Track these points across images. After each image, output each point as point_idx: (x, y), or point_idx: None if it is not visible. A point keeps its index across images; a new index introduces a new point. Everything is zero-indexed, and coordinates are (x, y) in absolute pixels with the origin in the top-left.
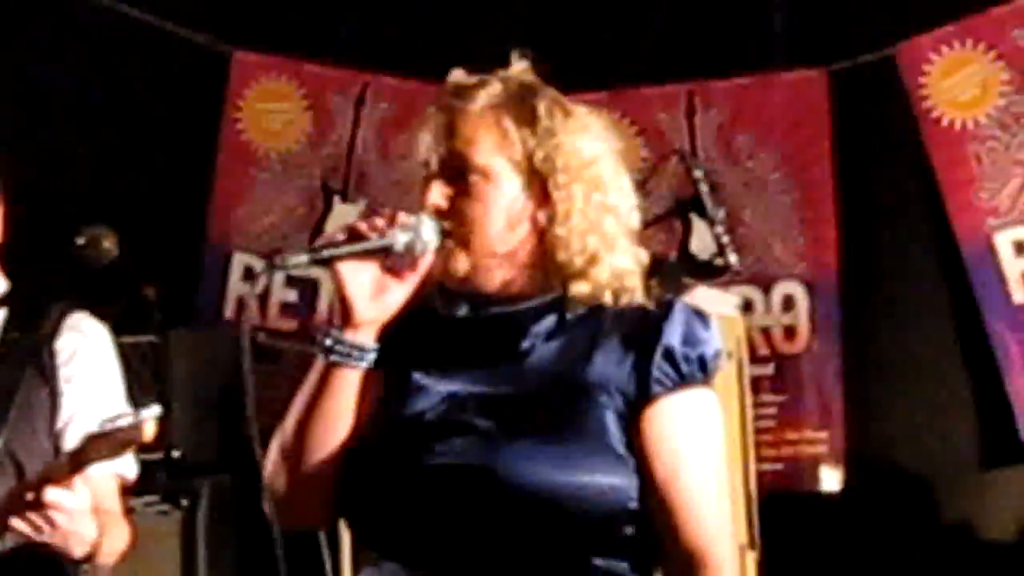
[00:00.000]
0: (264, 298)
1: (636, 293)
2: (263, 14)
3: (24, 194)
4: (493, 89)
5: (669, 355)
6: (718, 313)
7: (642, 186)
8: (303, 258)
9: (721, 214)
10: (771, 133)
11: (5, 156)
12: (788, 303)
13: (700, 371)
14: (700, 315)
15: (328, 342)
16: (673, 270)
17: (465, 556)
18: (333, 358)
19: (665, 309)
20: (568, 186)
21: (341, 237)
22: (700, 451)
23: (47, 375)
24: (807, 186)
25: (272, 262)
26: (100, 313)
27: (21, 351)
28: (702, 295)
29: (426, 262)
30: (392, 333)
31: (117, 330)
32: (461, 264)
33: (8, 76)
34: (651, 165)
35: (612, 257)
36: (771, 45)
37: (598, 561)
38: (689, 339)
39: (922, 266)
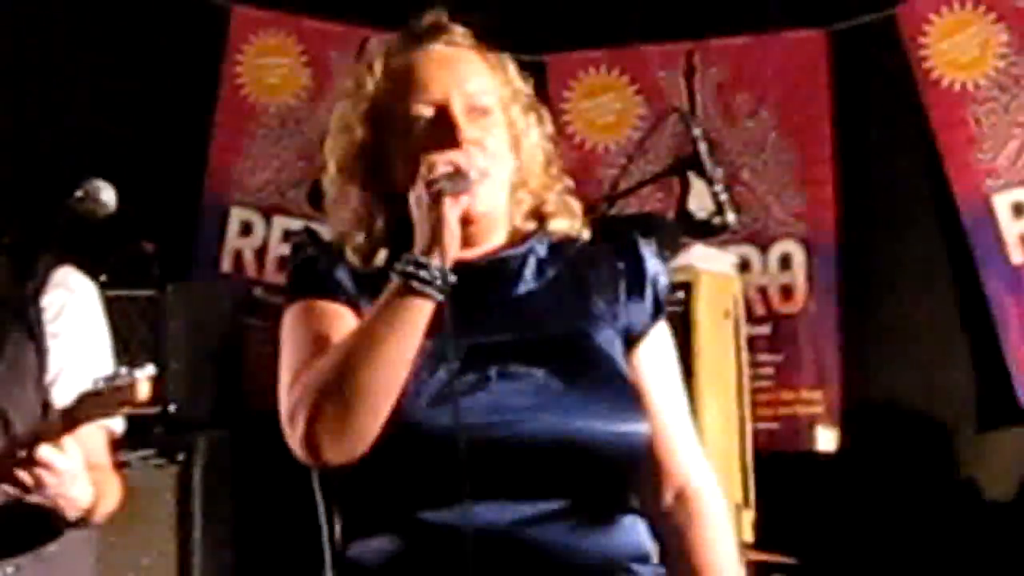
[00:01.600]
0: (261, 252)
1: (567, 222)
2: None
3: (21, 148)
4: (467, 34)
5: (655, 288)
6: (715, 271)
7: (640, 144)
8: (449, 185)
9: (719, 173)
10: (770, 93)
11: None
12: (785, 262)
13: (662, 305)
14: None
15: (417, 269)
16: (671, 228)
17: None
18: (422, 287)
19: (632, 243)
20: (528, 129)
21: (449, 170)
22: (677, 379)
23: (34, 331)
24: (806, 146)
25: (437, 178)
26: (97, 267)
27: (7, 307)
28: (700, 253)
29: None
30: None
31: (114, 284)
32: (486, 199)
33: (4, 30)
34: (650, 123)
35: (567, 194)
36: (771, 4)
37: (631, 500)
38: (660, 272)
39: (920, 226)
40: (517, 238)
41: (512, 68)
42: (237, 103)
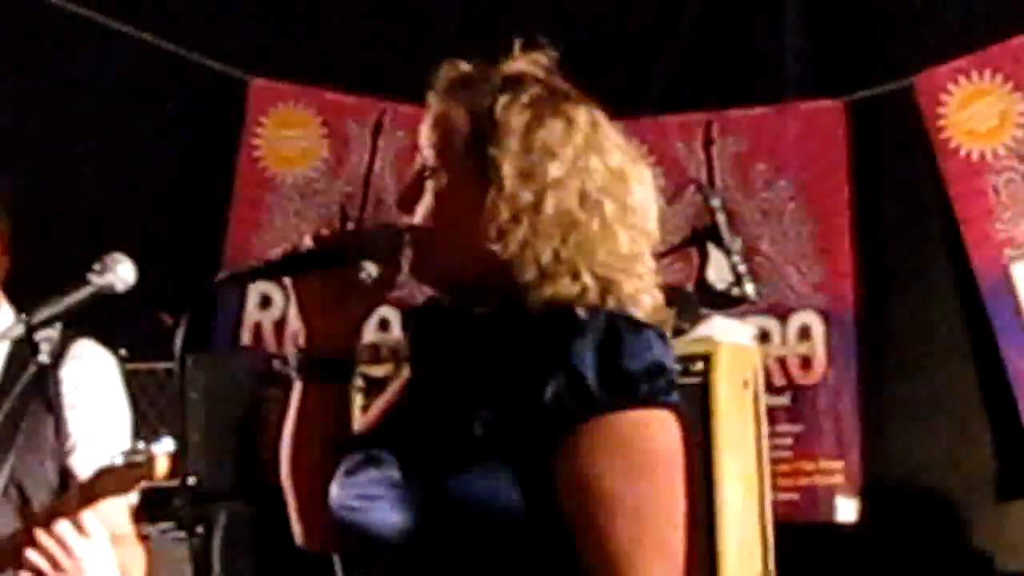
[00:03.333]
0: (280, 325)
1: (625, 302)
2: (281, 41)
3: (41, 221)
4: (473, 79)
5: (576, 379)
6: (734, 343)
7: (659, 215)
8: (245, 271)
9: (738, 244)
10: (788, 163)
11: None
12: (804, 333)
13: (622, 392)
14: (631, 325)
15: (298, 361)
16: (690, 300)
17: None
18: (299, 376)
19: (581, 322)
20: (512, 193)
21: (300, 248)
22: (616, 485)
23: (52, 404)
24: (824, 216)
25: (237, 274)
26: (116, 339)
27: (27, 380)
28: (719, 325)
29: (390, 273)
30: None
31: (134, 357)
32: (421, 268)
33: (28, 103)
34: (668, 194)
35: (591, 271)
36: (788, 75)
37: None
38: (607, 356)
39: (939, 297)
40: (488, 303)
41: (504, 129)
42: (256, 175)
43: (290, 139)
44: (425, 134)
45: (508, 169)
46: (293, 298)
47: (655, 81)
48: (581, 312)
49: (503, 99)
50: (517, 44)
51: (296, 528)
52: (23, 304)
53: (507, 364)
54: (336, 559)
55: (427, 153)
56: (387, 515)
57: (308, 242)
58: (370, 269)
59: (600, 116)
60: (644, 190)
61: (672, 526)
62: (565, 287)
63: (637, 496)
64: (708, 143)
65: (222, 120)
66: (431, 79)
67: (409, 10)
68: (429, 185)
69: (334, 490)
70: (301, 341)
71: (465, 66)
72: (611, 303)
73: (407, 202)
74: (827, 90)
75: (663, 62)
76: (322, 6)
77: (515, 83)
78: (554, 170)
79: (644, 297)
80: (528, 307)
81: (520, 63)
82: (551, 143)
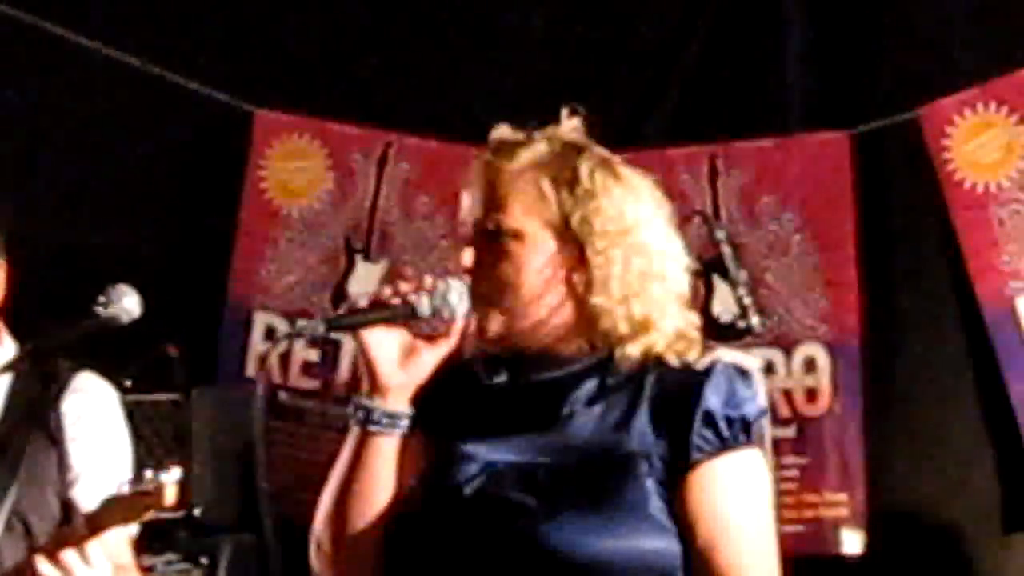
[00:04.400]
0: (286, 357)
1: (691, 355)
2: (286, 73)
3: (44, 254)
4: (536, 148)
5: (709, 419)
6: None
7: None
8: (321, 328)
9: (743, 276)
10: (793, 195)
11: (9, 222)
12: (810, 365)
13: (743, 433)
14: (742, 374)
15: (360, 412)
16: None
17: None
18: (368, 427)
19: (706, 371)
20: (606, 251)
21: (364, 304)
22: (744, 515)
23: (54, 436)
24: (829, 248)
25: (292, 331)
26: (122, 372)
27: (29, 412)
28: (724, 357)
29: (458, 326)
30: (440, 400)
31: (139, 389)
32: (494, 326)
33: (33, 136)
34: (673, 226)
35: (663, 322)
36: (793, 107)
37: None
38: (730, 401)
39: (944, 329)
40: (585, 353)
41: (609, 195)
42: (261, 207)
43: (295, 171)
44: (502, 198)
45: (599, 224)
46: (365, 350)
47: (660, 113)
48: (700, 365)
49: (585, 165)
50: (565, 111)
51: (324, 572)
52: (25, 337)
53: (623, 407)
54: None
55: (510, 217)
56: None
57: (390, 294)
58: (436, 326)
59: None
60: (675, 241)
61: (772, 545)
62: (653, 340)
63: (762, 527)
64: (713, 175)
65: (227, 151)
66: (496, 143)
67: (415, 42)
68: (510, 248)
69: (400, 537)
70: (364, 393)
71: (516, 132)
72: (688, 352)
73: (468, 258)
74: (832, 122)
75: (668, 95)
76: (327, 38)
77: (582, 149)
78: (630, 222)
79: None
80: (618, 358)
81: (571, 131)
82: (618, 195)
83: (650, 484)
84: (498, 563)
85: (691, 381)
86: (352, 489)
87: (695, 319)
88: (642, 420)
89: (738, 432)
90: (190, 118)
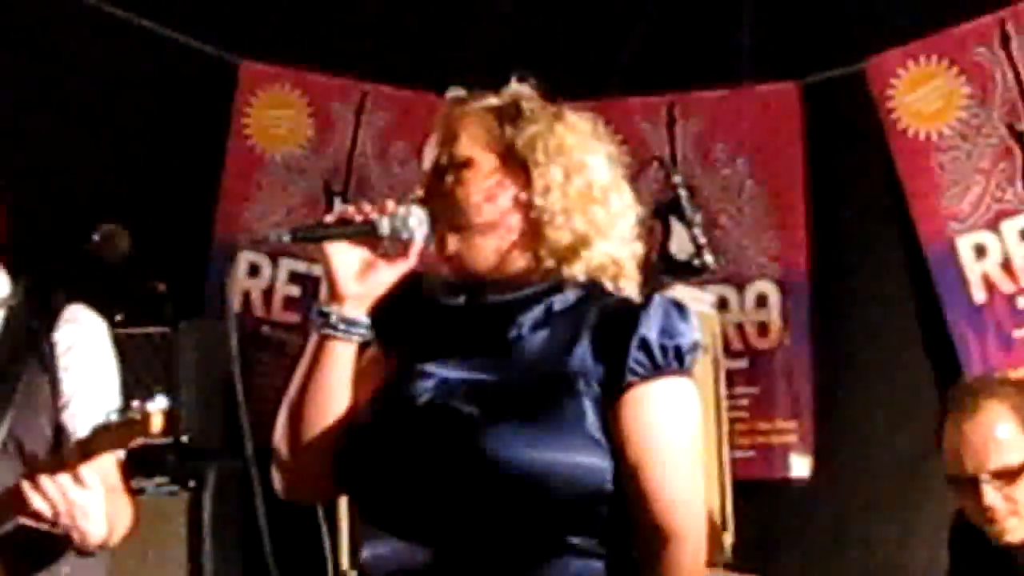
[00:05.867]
0: (269, 293)
1: (631, 283)
2: (269, 26)
3: (43, 194)
4: (487, 98)
5: (645, 345)
6: (696, 310)
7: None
8: (286, 237)
9: (698, 217)
10: (746, 142)
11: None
12: (761, 301)
13: (676, 361)
14: (679, 307)
15: (319, 317)
16: (653, 269)
17: (454, 529)
18: (324, 331)
19: (644, 302)
20: (548, 167)
21: (329, 220)
22: (671, 435)
23: (47, 364)
24: (779, 192)
25: (260, 239)
26: (113, 306)
27: (23, 342)
28: (680, 293)
29: (416, 248)
30: (400, 321)
31: (129, 322)
32: (451, 246)
33: (28, 85)
34: (633, 171)
35: (605, 243)
36: (746, 58)
37: (573, 539)
38: (666, 330)
39: (888, 267)
40: (535, 276)
41: (549, 125)
42: (245, 152)
43: (278, 119)
44: (443, 130)
45: (541, 149)
46: (327, 261)
47: (620, 64)
48: (609, 285)
49: (527, 102)
50: (514, 77)
51: (283, 478)
52: (20, 273)
53: (565, 331)
54: (321, 512)
55: (461, 148)
56: (447, 475)
57: (353, 213)
58: (395, 246)
59: (596, 123)
60: (626, 191)
61: (697, 465)
62: (593, 256)
63: (688, 449)
64: (671, 123)
65: (213, 100)
66: (452, 99)
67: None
68: (459, 170)
69: (354, 441)
70: (323, 301)
71: (479, 92)
72: (621, 279)
73: (431, 189)
74: (782, 73)
75: (628, 46)
76: None
77: (529, 97)
78: (581, 158)
79: (634, 276)
80: (547, 277)
81: (514, 89)
82: (564, 137)
83: (587, 403)
84: (441, 468)
85: (630, 311)
86: (309, 395)
87: (638, 250)
88: (583, 345)
89: (671, 359)
90: (178, 69)
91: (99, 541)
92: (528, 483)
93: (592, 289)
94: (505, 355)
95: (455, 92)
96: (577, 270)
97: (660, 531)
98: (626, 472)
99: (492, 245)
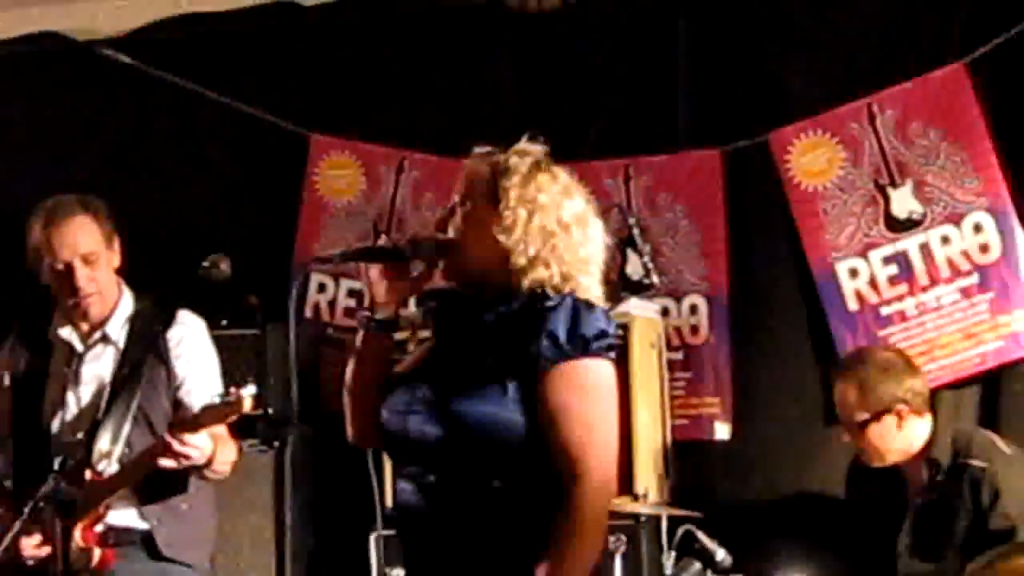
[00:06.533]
0: (332, 304)
1: (590, 292)
2: (332, 108)
3: (168, 233)
4: (498, 155)
5: (552, 336)
6: (645, 316)
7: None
8: (337, 258)
9: (647, 249)
10: (681, 193)
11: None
12: (693, 310)
13: (580, 347)
14: (588, 305)
15: (362, 320)
16: (615, 287)
17: (429, 467)
18: (365, 329)
19: (557, 304)
20: (515, 209)
21: (361, 246)
22: (575, 404)
23: (163, 356)
24: (706, 230)
25: (322, 258)
26: (218, 314)
27: (145, 341)
28: (634, 304)
29: (428, 269)
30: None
31: (230, 326)
32: (451, 265)
33: (163, 160)
34: (599, 215)
35: (555, 265)
36: (682, 131)
37: (495, 483)
38: (571, 323)
39: (786, 285)
40: (503, 288)
41: (525, 178)
42: (315, 201)
43: (339, 177)
44: (460, 182)
45: (515, 196)
46: (367, 278)
47: (590, 137)
48: (554, 296)
49: (512, 157)
50: (524, 136)
51: (351, 431)
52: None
53: (507, 328)
54: (371, 461)
55: (459, 193)
56: (422, 424)
57: (384, 242)
58: (418, 266)
59: (571, 178)
60: (597, 229)
61: (610, 433)
62: (541, 273)
63: (588, 413)
64: (627, 179)
65: (293, 163)
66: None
67: (423, 90)
68: (458, 212)
69: (385, 404)
70: (366, 307)
71: (489, 148)
72: (567, 288)
73: (441, 226)
74: (709, 142)
75: (595, 123)
76: (362, 85)
77: (520, 152)
78: (543, 200)
79: (594, 287)
80: (516, 289)
81: (522, 145)
82: (541, 185)
83: (512, 381)
84: (422, 421)
85: (545, 310)
86: (359, 374)
87: (599, 266)
88: (515, 338)
89: (576, 346)
90: (267, 139)
91: (217, 474)
92: (474, 430)
93: (534, 297)
94: (470, 342)
95: (480, 149)
96: (526, 284)
97: (566, 475)
98: (543, 432)
99: (479, 269)
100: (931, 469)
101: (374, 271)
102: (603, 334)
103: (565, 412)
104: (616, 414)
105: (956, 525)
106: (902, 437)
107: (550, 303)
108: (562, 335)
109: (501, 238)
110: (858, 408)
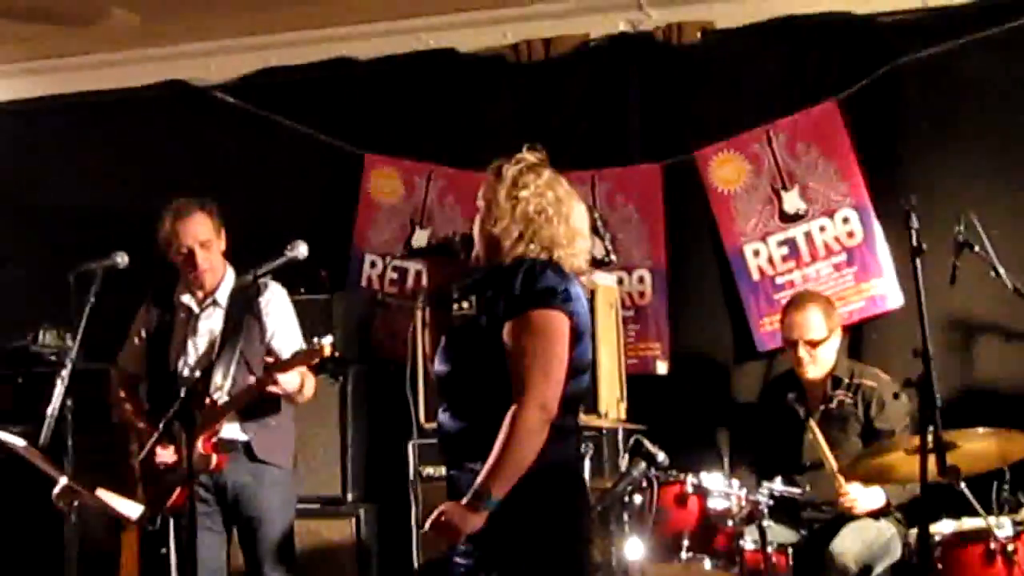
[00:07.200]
0: (382, 277)
1: (569, 263)
2: (380, 134)
3: (263, 226)
4: (500, 165)
5: (510, 293)
6: (605, 284)
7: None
8: (399, 255)
9: (608, 236)
10: (633, 195)
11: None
12: (641, 280)
13: (530, 301)
14: (543, 267)
15: (421, 299)
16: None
17: (442, 392)
18: (428, 304)
19: (517, 268)
20: (501, 204)
21: (422, 245)
22: (521, 342)
23: (257, 315)
24: (651, 223)
25: (391, 257)
26: (298, 284)
27: (244, 304)
28: (598, 276)
29: (463, 257)
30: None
31: (307, 293)
32: (473, 253)
33: (258, 172)
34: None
35: (535, 243)
36: (633, 148)
37: (475, 402)
38: (525, 280)
39: (708, 262)
40: (498, 262)
41: (504, 175)
42: (367, 202)
43: (384, 185)
44: (480, 193)
45: (503, 195)
46: (426, 266)
47: (569, 154)
48: (518, 262)
49: (507, 165)
50: (525, 146)
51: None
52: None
53: (488, 289)
54: (409, 391)
55: (480, 202)
56: (439, 365)
57: (434, 238)
58: (457, 253)
59: (556, 175)
60: (578, 210)
61: (551, 365)
62: (523, 248)
63: (535, 347)
64: (593, 186)
65: (351, 175)
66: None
67: (444, 119)
68: (478, 215)
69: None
70: (426, 289)
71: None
72: (549, 259)
73: (471, 230)
74: (653, 157)
75: (572, 146)
76: (401, 117)
77: (516, 160)
78: (523, 194)
79: (572, 261)
80: (504, 262)
81: (522, 153)
82: (526, 182)
83: (493, 335)
84: (438, 357)
85: (511, 274)
86: (431, 343)
87: (579, 244)
88: (489, 298)
89: (526, 301)
90: (333, 157)
91: (301, 400)
92: (462, 366)
93: (513, 266)
94: (477, 303)
95: (495, 163)
96: (515, 255)
97: (514, 395)
98: (506, 365)
99: (489, 254)
100: (834, 385)
101: (431, 260)
102: (551, 290)
103: (516, 350)
104: (561, 352)
105: (850, 426)
106: (836, 354)
107: (518, 265)
108: (517, 290)
109: (492, 230)
110: (821, 327)
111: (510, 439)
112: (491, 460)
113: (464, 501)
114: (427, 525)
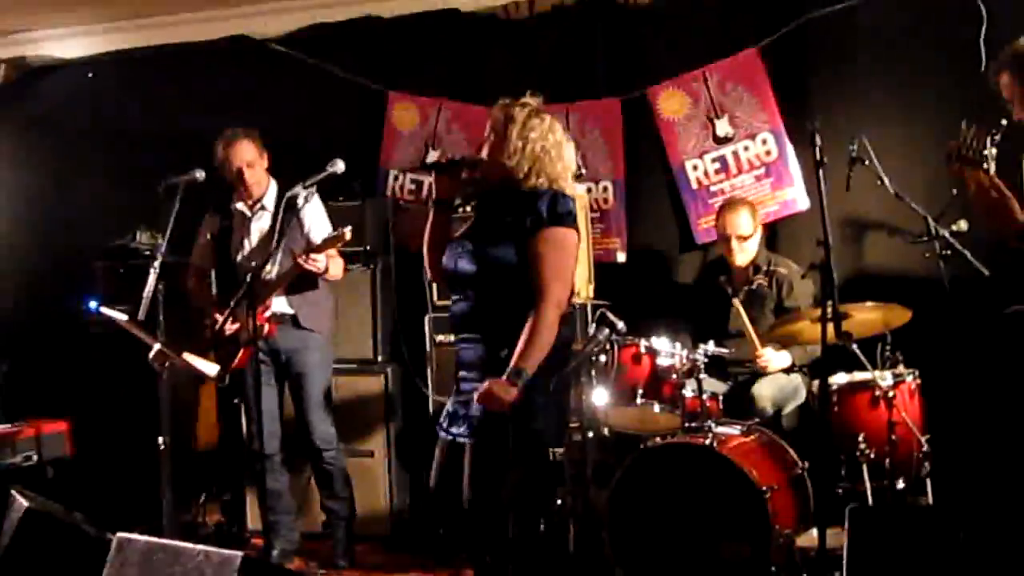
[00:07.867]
0: (402, 187)
1: (569, 187)
2: (400, 73)
3: (307, 147)
4: (507, 105)
5: (537, 213)
6: (579, 194)
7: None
8: (418, 166)
9: (578, 156)
10: (598, 124)
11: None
12: (605, 189)
13: (551, 220)
14: (563, 195)
15: (430, 202)
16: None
17: (467, 288)
18: (432, 206)
19: (542, 194)
20: (511, 138)
21: (433, 159)
22: (544, 253)
23: (298, 216)
24: (612, 146)
25: (409, 168)
26: (335, 192)
27: (287, 208)
28: (577, 186)
29: (464, 175)
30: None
31: (344, 200)
32: (479, 173)
33: (306, 108)
34: (567, 141)
35: (545, 174)
36: (600, 84)
37: (502, 297)
38: (549, 205)
39: (657, 174)
40: (515, 189)
41: (516, 117)
42: (391, 129)
43: (404, 115)
44: (488, 121)
45: (515, 134)
46: (434, 178)
47: (548, 92)
48: (544, 190)
49: (515, 108)
50: (528, 92)
51: (429, 272)
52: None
53: (514, 208)
54: (426, 280)
55: (488, 128)
56: (465, 264)
57: (442, 157)
58: (463, 174)
59: (555, 119)
60: (569, 149)
61: (567, 272)
62: (534, 180)
63: (553, 260)
64: (567, 116)
65: (377, 108)
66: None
67: (450, 64)
68: (486, 142)
69: (445, 254)
70: (435, 195)
71: (506, 99)
72: (553, 187)
73: (478, 148)
74: (613, 92)
75: (550, 85)
76: (416, 63)
77: (522, 104)
78: (532, 135)
79: (570, 185)
80: (520, 188)
81: (526, 99)
82: (533, 125)
83: (516, 238)
84: (463, 259)
85: (536, 197)
86: (430, 234)
87: (569, 177)
88: (518, 214)
89: (551, 219)
90: (363, 93)
91: (331, 277)
92: (492, 266)
93: (533, 192)
94: (494, 216)
95: (502, 100)
96: (528, 185)
97: (536, 295)
98: (529, 270)
99: (496, 178)
100: (755, 271)
101: (440, 174)
102: (570, 214)
103: (541, 259)
104: (573, 262)
105: (766, 303)
106: (757, 246)
107: (540, 193)
108: (544, 212)
109: (506, 162)
110: (748, 225)
111: (535, 329)
112: (521, 346)
113: (504, 377)
114: (476, 397)
